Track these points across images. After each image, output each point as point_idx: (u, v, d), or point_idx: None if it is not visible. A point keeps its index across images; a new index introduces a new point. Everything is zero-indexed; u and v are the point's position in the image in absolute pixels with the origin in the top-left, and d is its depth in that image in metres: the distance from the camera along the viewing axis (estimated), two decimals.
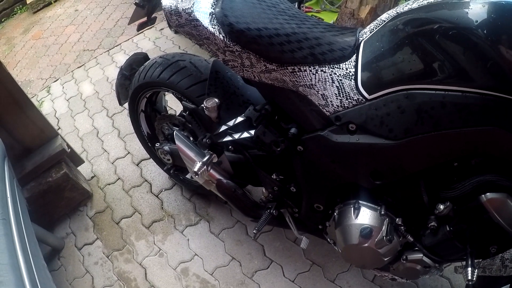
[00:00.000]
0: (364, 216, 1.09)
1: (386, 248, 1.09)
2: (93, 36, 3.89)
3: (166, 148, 1.79)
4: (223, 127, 1.32)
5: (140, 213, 2.21)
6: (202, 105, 1.33)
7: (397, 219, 1.08)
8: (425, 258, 1.10)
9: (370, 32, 0.98)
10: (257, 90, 1.23)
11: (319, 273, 1.73)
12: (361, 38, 1.00)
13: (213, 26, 1.09)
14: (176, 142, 1.52)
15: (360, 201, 1.11)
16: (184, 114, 1.72)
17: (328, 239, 1.38)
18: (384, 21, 0.95)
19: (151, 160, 2.37)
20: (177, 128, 1.69)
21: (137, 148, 2.53)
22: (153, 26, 3.70)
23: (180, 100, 1.67)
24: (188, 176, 2.13)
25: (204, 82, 1.48)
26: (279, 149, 1.17)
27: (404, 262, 1.15)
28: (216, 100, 1.31)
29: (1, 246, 1.19)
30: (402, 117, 0.88)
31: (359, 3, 2.40)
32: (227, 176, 1.49)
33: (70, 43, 3.88)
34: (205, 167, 1.39)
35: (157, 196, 2.27)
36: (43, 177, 2.12)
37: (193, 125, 1.49)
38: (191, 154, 1.48)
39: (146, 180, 2.36)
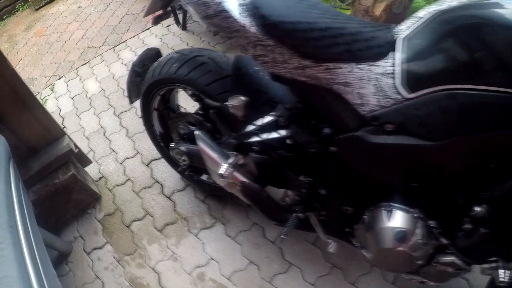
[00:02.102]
0: (398, 219, 1.04)
1: (420, 252, 1.05)
2: (97, 33, 3.76)
3: (183, 148, 1.67)
4: (250, 127, 1.23)
5: (151, 216, 2.09)
6: (227, 103, 1.24)
7: (431, 222, 1.04)
8: (457, 261, 1.05)
9: (408, 29, 0.93)
10: (281, 87, 1.18)
11: (339, 276, 1.65)
12: (398, 35, 0.95)
13: (244, 18, 1.03)
14: (198, 143, 1.41)
15: (393, 204, 1.05)
16: (201, 112, 1.62)
17: (354, 243, 1.30)
18: (422, 18, 0.91)
19: (162, 160, 2.25)
20: (196, 128, 1.58)
21: (147, 148, 2.40)
22: (159, 23, 3.57)
23: (197, 98, 1.56)
24: (203, 177, 2.00)
25: (225, 79, 1.39)
26: (313, 150, 1.10)
27: (435, 265, 1.10)
28: (243, 97, 1.21)
29: (9, 256, 1.06)
30: (443, 117, 0.85)
31: (374, 0, 2.28)
32: (251, 178, 1.38)
33: (73, 40, 3.75)
34: (232, 169, 1.28)
35: (169, 198, 2.15)
36: (49, 178, 2.01)
37: (218, 124, 1.38)
38: (214, 155, 1.37)
39: (157, 181, 2.23)
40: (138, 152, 2.40)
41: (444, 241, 1.05)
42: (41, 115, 1.94)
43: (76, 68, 3.29)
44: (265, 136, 1.20)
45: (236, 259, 1.83)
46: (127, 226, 2.07)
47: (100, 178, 2.32)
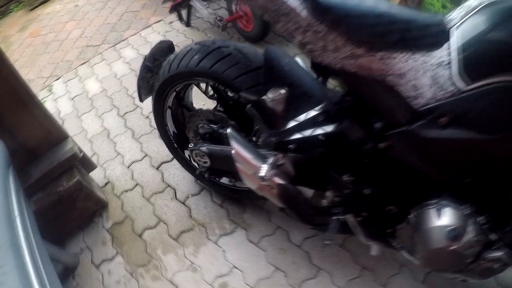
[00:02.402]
0: (449, 216, 1.00)
1: (470, 250, 1.02)
2: (96, 31, 3.57)
3: (204, 149, 1.51)
4: (292, 123, 1.13)
5: (165, 223, 1.91)
6: (266, 97, 1.13)
7: (481, 218, 1.01)
8: (504, 256, 1.02)
9: (461, 19, 0.90)
10: (315, 81, 1.14)
11: (369, 278, 1.56)
12: (450, 25, 0.91)
13: (295, 1, 0.95)
14: (232, 142, 1.26)
15: (443, 201, 1.02)
16: (222, 109, 1.51)
17: (394, 244, 1.24)
18: (475, 7, 0.88)
19: (173, 163, 2.09)
20: (223, 126, 1.48)
21: (156, 150, 2.23)
22: (161, 20, 3.40)
23: (218, 94, 1.45)
24: (223, 180, 1.82)
25: (254, 72, 1.29)
26: (366, 147, 1.03)
27: (481, 262, 1.06)
28: (283, 90, 1.11)
29: (13, 281, 0.88)
30: (501, 110, 0.83)
31: None
32: (288, 180, 1.22)
33: (71, 39, 3.56)
34: (273, 170, 1.16)
35: (183, 203, 1.97)
36: (52, 186, 1.83)
37: (257, 119, 1.24)
38: (250, 156, 1.24)
39: (169, 185, 2.05)
40: (146, 155, 2.22)
41: (493, 237, 1.01)
42: (42, 116, 1.76)
43: (75, 68, 3.10)
44: (308, 133, 1.11)
45: (260, 266, 1.68)
46: (139, 235, 1.89)
47: (106, 184, 2.14)
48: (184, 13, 3.18)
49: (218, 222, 1.87)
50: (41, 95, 2.93)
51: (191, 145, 1.58)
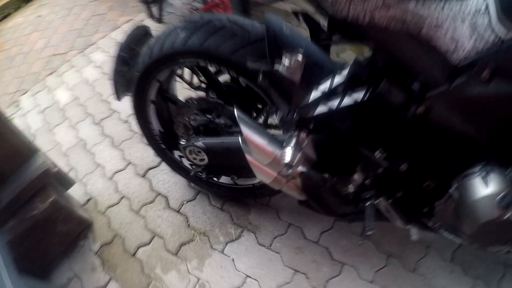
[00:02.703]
0: (497, 183, 0.88)
1: None
2: (62, 39, 3.29)
3: (200, 143, 1.26)
4: (314, 94, 0.95)
5: (161, 237, 1.65)
6: (279, 66, 0.95)
7: None
8: None
9: None
10: (322, 49, 1.02)
11: (397, 265, 1.45)
12: None
13: None
14: (243, 126, 1.04)
15: (487, 167, 0.90)
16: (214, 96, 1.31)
17: (431, 224, 1.12)
18: None
19: (161, 167, 1.84)
20: (219, 115, 1.31)
21: (140, 156, 1.96)
22: (131, 19, 3.14)
23: (205, 78, 1.27)
24: (222, 179, 1.57)
25: (255, 44, 1.12)
26: (408, 112, 0.89)
27: None
28: (299, 56, 0.91)
29: None
30: None
31: None
32: (310, 167, 0.99)
33: (36, 50, 3.25)
34: (299, 154, 0.95)
35: (178, 212, 1.71)
36: (26, 210, 1.56)
37: (272, 93, 1.03)
38: (264, 141, 1.04)
39: (159, 194, 1.79)
40: (129, 163, 1.95)
41: None
42: (9, 134, 1.50)
43: (43, 79, 2.81)
44: (334, 104, 0.92)
45: (277, 271, 1.49)
46: (133, 255, 1.62)
47: (88, 201, 1.87)
48: (155, 9, 2.92)
49: (221, 228, 1.63)
50: (8, 112, 2.63)
51: (183, 141, 1.33)
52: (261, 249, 1.56)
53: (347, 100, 0.92)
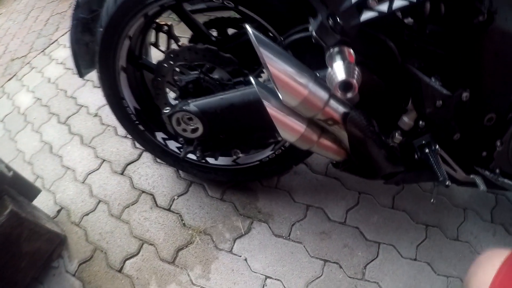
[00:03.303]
0: None
1: None
2: (21, 43, 2.93)
3: (191, 107, 0.92)
4: None
5: (151, 243, 1.29)
6: None
7: None
8: None
9: None
10: None
11: (439, 236, 1.24)
12: None
13: None
14: (264, 52, 0.69)
15: None
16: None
17: (490, 172, 0.91)
18: None
19: (142, 159, 1.50)
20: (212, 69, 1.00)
21: (115, 151, 1.60)
22: None
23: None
24: (219, 161, 1.22)
25: None
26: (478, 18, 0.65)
27: None
28: None
29: None
30: None
31: None
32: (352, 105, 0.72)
33: None
34: (356, 68, 0.66)
35: (169, 210, 1.36)
36: None
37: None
38: (293, 70, 0.71)
39: (143, 191, 1.43)
40: (103, 160, 1.58)
41: None
42: None
43: (1, 86, 2.42)
44: (384, 7, 0.65)
45: (303, 265, 1.19)
46: (119, 271, 1.26)
47: (58, 212, 1.49)
48: None
49: (225, 222, 1.28)
50: None
51: (167, 109, 0.97)
52: (279, 241, 1.23)
53: (399, 2, 0.64)
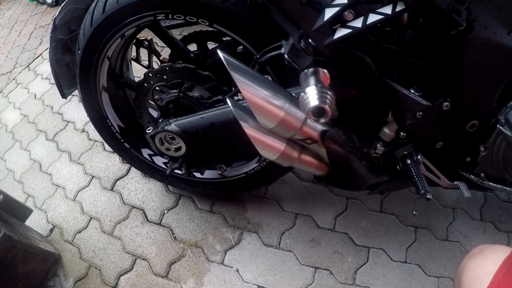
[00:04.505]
0: None
1: None
2: (5, 59, 2.83)
3: (172, 127, 0.89)
4: (330, 11, 0.62)
5: (144, 258, 1.26)
6: None
7: None
8: None
9: None
10: None
11: (428, 237, 1.23)
12: None
13: None
14: (237, 76, 0.67)
15: None
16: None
17: (476, 177, 0.90)
18: None
19: (130, 175, 1.46)
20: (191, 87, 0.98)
21: (103, 167, 1.55)
22: None
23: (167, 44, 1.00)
24: (206, 175, 1.18)
25: None
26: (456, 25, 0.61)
27: None
28: None
29: None
30: None
31: None
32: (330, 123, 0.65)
33: None
34: (329, 92, 0.62)
35: (159, 224, 1.33)
36: None
37: (275, 15, 0.68)
38: (268, 93, 0.69)
39: (133, 207, 1.39)
40: (93, 177, 1.54)
41: None
42: None
43: None
44: (359, 23, 0.62)
45: (294, 273, 1.17)
46: (114, 287, 1.23)
47: (51, 230, 1.44)
48: None
49: (215, 234, 1.26)
50: None
51: (149, 130, 0.94)
52: (269, 250, 1.20)
53: (373, 17, 0.61)
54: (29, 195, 1.60)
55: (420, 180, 0.81)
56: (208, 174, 1.18)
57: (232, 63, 0.65)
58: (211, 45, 1.16)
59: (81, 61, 1.00)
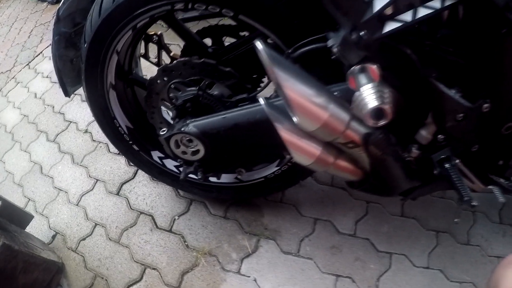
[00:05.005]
0: None
1: None
2: (4, 57, 2.72)
3: (190, 128, 0.78)
4: (380, 1, 0.54)
5: (154, 268, 1.16)
6: None
7: None
8: None
9: None
10: None
11: (450, 242, 1.15)
12: None
13: None
14: (279, 72, 0.57)
15: None
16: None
17: (505, 180, 0.80)
18: None
19: (138, 178, 1.37)
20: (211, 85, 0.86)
21: (108, 169, 1.45)
22: None
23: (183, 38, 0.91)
24: (223, 179, 1.09)
25: None
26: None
27: None
28: None
29: None
30: None
31: None
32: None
33: None
34: (388, 92, 0.57)
35: (170, 231, 1.23)
36: None
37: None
38: (311, 91, 0.59)
39: (142, 212, 1.29)
40: (97, 180, 1.43)
41: None
42: None
43: None
44: (408, 17, 0.54)
45: (315, 282, 1.08)
46: None
47: (53, 237, 1.34)
48: None
49: (230, 241, 1.16)
50: None
51: (163, 131, 0.84)
52: (288, 258, 1.11)
53: (423, 10, 0.54)
54: (29, 199, 1.50)
55: (462, 186, 0.74)
56: (224, 178, 1.08)
57: (274, 57, 0.55)
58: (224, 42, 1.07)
59: (87, 55, 0.90)
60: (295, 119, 0.60)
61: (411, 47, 0.63)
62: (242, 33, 1.04)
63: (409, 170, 0.75)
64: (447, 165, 0.75)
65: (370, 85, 0.54)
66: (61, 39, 0.97)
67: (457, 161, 0.76)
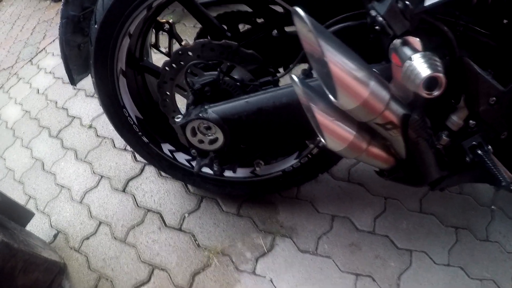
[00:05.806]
0: None
1: None
2: (7, 53, 2.64)
3: (209, 114, 0.69)
4: None
5: (163, 269, 1.06)
6: None
7: None
8: None
9: None
10: None
11: (469, 238, 1.09)
12: None
13: None
14: (323, 43, 0.47)
15: None
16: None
17: None
18: None
19: (145, 174, 1.28)
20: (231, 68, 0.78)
21: (114, 165, 1.36)
22: None
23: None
24: (238, 173, 0.99)
25: None
26: None
27: None
28: None
29: None
30: None
31: None
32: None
33: None
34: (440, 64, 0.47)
35: (180, 229, 1.14)
36: None
37: None
38: (354, 66, 0.51)
39: (149, 210, 1.20)
40: (102, 177, 1.34)
41: None
42: None
43: None
44: None
45: (335, 282, 1.00)
46: None
47: (55, 236, 1.25)
48: None
49: (244, 240, 1.07)
50: None
51: (178, 118, 0.75)
52: (305, 256, 1.03)
53: None
54: (30, 196, 1.40)
55: (499, 171, 0.69)
56: (239, 172, 0.99)
57: (318, 26, 0.47)
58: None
59: (97, 37, 0.81)
60: (332, 97, 0.52)
61: (449, 26, 0.56)
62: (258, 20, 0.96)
63: (439, 158, 0.68)
64: (479, 152, 0.70)
65: (420, 54, 0.46)
66: (68, 23, 0.89)
67: (489, 147, 0.71)
